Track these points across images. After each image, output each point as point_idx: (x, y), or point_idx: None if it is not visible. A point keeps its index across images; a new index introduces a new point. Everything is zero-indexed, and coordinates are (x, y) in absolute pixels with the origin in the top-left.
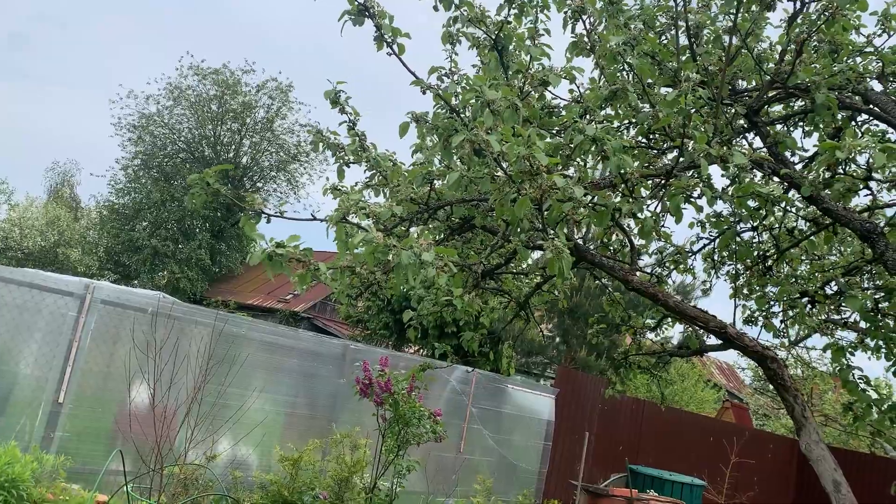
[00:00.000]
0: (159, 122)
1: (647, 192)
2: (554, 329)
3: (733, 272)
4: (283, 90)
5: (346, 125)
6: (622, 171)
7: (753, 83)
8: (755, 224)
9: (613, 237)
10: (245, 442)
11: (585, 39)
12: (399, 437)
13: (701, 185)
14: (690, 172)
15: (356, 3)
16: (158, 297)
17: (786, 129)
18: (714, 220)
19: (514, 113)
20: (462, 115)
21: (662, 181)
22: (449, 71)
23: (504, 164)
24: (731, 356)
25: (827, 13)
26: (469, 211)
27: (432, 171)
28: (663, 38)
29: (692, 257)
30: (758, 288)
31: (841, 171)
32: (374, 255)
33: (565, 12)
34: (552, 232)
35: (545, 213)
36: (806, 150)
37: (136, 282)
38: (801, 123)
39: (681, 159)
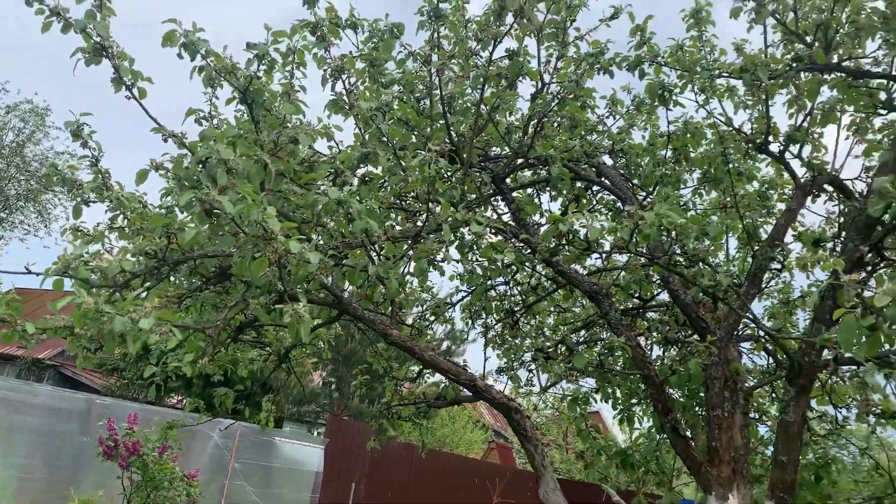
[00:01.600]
0: None
1: (399, 253)
2: (328, 376)
3: (485, 325)
4: (39, 113)
5: (88, 160)
6: (369, 234)
7: (507, 150)
8: (507, 280)
9: (378, 291)
10: None
11: (345, 98)
12: (147, 501)
13: (443, 249)
14: (438, 235)
15: (92, 41)
16: None
17: (535, 193)
18: (468, 276)
19: (262, 170)
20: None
21: (410, 243)
22: (208, 114)
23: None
24: None
25: (559, 96)
26: (224, 260)
27: (171, 223)
28: (422, 103)
29: (451, 309)
30: (510, 339)
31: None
32: (83, 321)
33: (325, 70)
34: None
35: (290, 273)
36: (549, 211)
37: None
38: (547, 189)
39: (426, 223)
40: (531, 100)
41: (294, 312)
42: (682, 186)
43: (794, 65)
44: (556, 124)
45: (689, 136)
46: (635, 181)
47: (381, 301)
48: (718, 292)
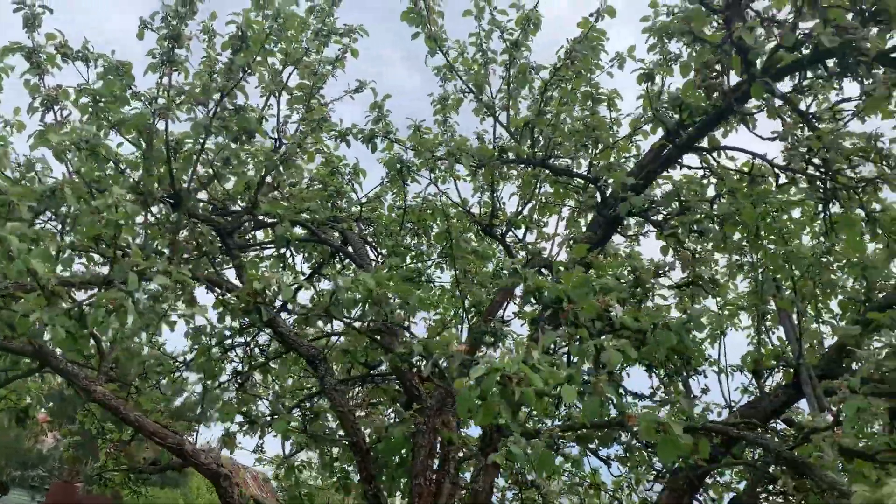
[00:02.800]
0: None
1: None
2: (62, 436)
3: (204, 387)
4: None
5: None
6: (35, 276)
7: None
8: (247, 340)
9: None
10: None
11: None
12: None
13: (129, 300)
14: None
15: None
16: None
17: (291, 253)
18: (193, 332)
19: None
20: None
21: (98, 292)
22: None
23: None
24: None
25: (293, 158)
26: None
27: None
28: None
29: (184, 368)
30: (237, 401)
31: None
32: None
33: (34, 97)
34: None
35: None
36: (304, 274)
37: None
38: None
39: (111, 271)
40: (266, 157)
41: None
42: (427, 259)
43: (503, 156)
44: (305, 184)
45: (429, 212)
46: (384, 250)
47: (92, 354)
48: (409, 360)
